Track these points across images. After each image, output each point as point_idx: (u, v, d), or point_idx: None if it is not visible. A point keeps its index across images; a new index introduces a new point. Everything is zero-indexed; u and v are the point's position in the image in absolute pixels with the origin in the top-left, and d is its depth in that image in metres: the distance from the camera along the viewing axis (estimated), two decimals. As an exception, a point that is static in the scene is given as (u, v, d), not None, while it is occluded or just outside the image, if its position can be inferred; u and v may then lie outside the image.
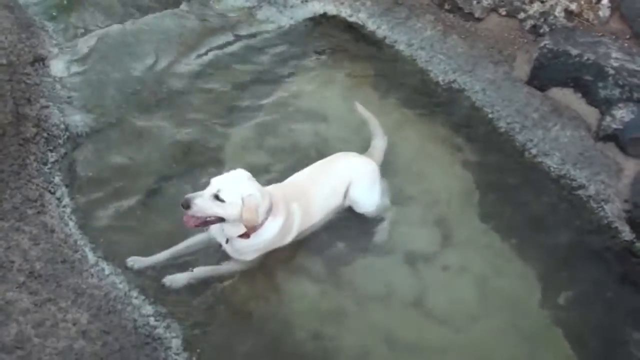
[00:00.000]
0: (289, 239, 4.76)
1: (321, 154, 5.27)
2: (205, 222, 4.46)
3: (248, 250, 4.67)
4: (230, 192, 4.37)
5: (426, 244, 5.01)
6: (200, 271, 4.68)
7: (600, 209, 5.14)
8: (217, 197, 4.34)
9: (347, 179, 4.93)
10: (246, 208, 4.35)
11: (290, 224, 4.70)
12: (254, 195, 4.40)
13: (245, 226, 4.43)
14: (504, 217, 5.16)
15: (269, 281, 4.76)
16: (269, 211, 4.54)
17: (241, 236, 4.55)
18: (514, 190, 5.31)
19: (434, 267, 4.88)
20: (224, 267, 4.74)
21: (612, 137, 5.35)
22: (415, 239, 5.03)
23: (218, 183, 4.39)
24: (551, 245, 5.02)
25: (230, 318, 4.53)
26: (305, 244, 4.92)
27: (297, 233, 4.78)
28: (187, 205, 4.33)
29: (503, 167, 5.45)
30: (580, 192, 5.25)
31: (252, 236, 4.55)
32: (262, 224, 4.52)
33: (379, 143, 5.26)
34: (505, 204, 5.23)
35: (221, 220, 4.43)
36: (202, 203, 4.34)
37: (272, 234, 4.62)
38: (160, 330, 4.31)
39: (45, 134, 5.31)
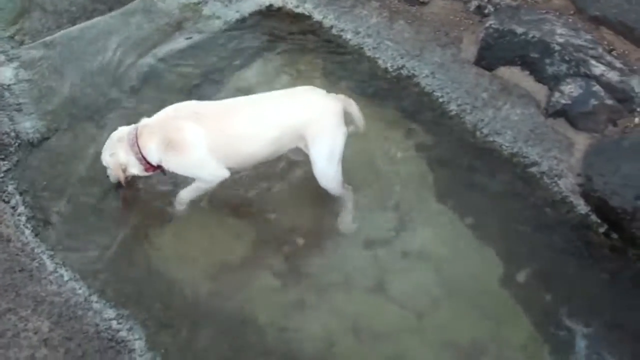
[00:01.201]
0: (199, 156, 4.65)
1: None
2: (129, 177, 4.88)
3: (180, 171, 4.84)
4: (105, 160, 4.86)
5: (383, 229, 5.03)
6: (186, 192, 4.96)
7: (554, 184, 5.18)
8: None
9: (299, 118, 4.73)
10: (112, 168, 4.84)
11: (176, 140, 4.62)
12: (113, 156, 4.76)
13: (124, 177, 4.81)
14: (460, 197, 5.19)
15: (231, 278, 4.77)
16: (135, 145, 4.69)
17: (148, 170, 4.84)
18: (468, 171, 5.35)
19: (393, 251, 4.91)
20: (195, 185, 4.92)
21: (561, 113, 5.41)
22: (372, 224, 5.04)
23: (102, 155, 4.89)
24: (508, 222, 5.07)
25: (193, 316, 4.53)
26: (264, 237, 4.95)
27: (218, 151, 4.65)
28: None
29: (456, 149, 5.47)
30: (533, 169, 5.29)
31: (156, 166, 4.79)
32: (142, 158, 4.73)
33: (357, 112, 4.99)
34: (460, 184, 5.27)
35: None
36: (110, 173, 4.96)
37: (155, 157, 4.70)
38: (123, 333, 4.31)
39: (-5, 143, 5.27)
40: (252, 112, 4.73)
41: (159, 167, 4.76)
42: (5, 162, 5.19)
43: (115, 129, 4.87)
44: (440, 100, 5.73)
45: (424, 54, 6.00)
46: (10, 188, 5.04)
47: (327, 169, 4.76)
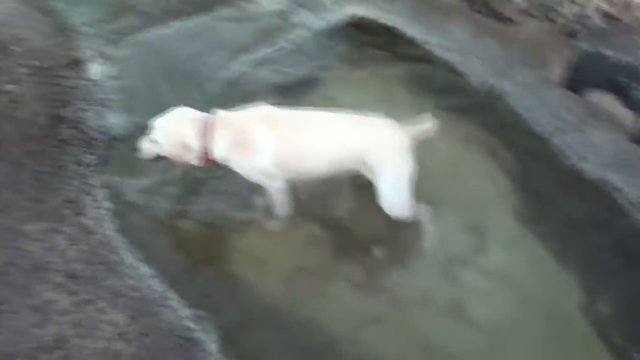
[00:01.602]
0: (263, 161, 4.66)
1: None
2: (159, 157, 4.85)
3: (241, 173, 4.78)
4: (160, 132, 4.72)
5: (463, 249, 4.94)
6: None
7: (638, 212, 5.06)
8: (151, 139, 4.75)
9: (362, 144, 4.66)
10: (169, 142, 4.69)
11: (247, 141, 4.65)
12: (177, 132, 4.65)
13: (177, 160, 4.78)
14: (542, 221, 5.08)
15: (307, 285, 4.75)
16: (206, 136, 4.65)
17: (206, 163, 4.77)
18: (551, 195, 5.24)
19: (472, 272, 4.82)
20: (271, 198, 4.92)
21: (649, 139, 5.29)
22: (452, 244, 4.96)
23: (155, 125, 4.76)
24: (590, 250, 4.94)
25: (268, 321, 4.52)
26: (343, 247, 4.91)
27: (282, 161, 4.66)
28: (137, 150, 4.87)
29: (539, 171, 5.37)
30: (617, 195, 5.16)
31: (215, 159, 4.74)
32: (208, 148, 4.68)
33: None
34: (543, 208, 5.16)
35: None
36: (145, 146, 4.82)
37: (222, 151, 4.68)
38: (197, 334, 4.29)
39: (82, 136, 5.36)
40: (321, 128, 4.73)
41: (214, 161, 4.76)
42: (91, 156, 5.28)
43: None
44: (526, 120, 5.65)
45: (511, 72, 5.95)
46: (94, 181, 5.12)
47: (390, 200, 4.72)
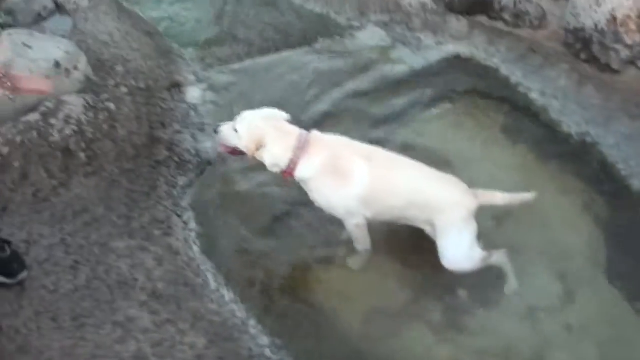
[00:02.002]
0: (353, 194, 4.59)
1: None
2: (234, 152, 4.79)
3: (319, 199, 4.73)
4: (244, 124, 4.63)
5: (548, 299, 4.79)
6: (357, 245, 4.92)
7: None
8: (234, 127, 4.65)
9: (431, 200, 4.65)
10: (248, 135, 4.57)
11: (344, 170, 4.59)
12: (260, 127, 4.57)
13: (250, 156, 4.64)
14: (632, 279, 4.87)
15: (386, 323, 4.68)
16: (301, 150, 4.58)
17: (284, 175, 4.68)
18: (645, 253, 5.07)
19: (555, 324, 4.66)
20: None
21: None
22: (537, 292, 4.82)
23: (242, 116, 4.68)
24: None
25: (344, 357, 4.50)
26: (425, 286, 4.85)
27: (369, 197, 4.60)
28: (216, 131, 4.81)
29: (635, 227, 5.18)
30: None
31: (295, 175, 4.64)
32: (294, 162, 4.59)
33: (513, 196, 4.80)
34: (633, 265, 4.94)
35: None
36: (225, 131, 4.72)
37: (308, 172, 4.61)
38: (275, 363, 4.32)
39: (176, 158, 5.49)
40: (411, 173, 4.72)
41: (292, 176, 4.69)
42: (184, 178, 5.39)
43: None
44: (624, 173, 5.49)
45: (611, 122, 5.80)
46: (185, 203, 5.22)
47: (454, 260, 4.65)
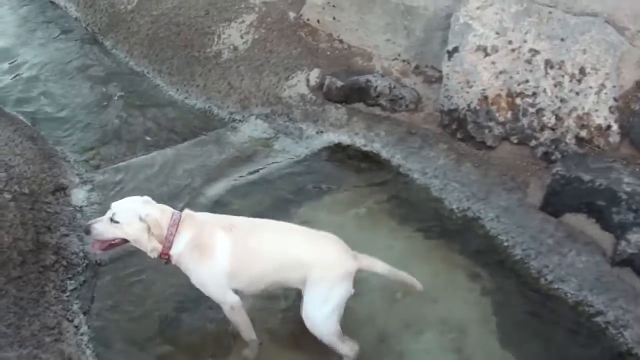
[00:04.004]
0: (218, 267, 4.62)
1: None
2: (111, 245, 4.72)
3: (192, 278, 4.73)
4: (125, 213, 4.61)
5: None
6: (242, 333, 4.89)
7: (619, 335, 5.01)
8: (112, 219, 4.59)
9: (306, 257, 4.64)
10: (151, 225, 4.56)
11: (206, 244, 4.63)
12: (150, 213, 4.58)
13: (137, 244, 4.66)
14: (523, 345, 5.02)
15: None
16: (173, 227, 4.63)
17: (162, 258, 4.68)
18: (532, 317, 5.20)
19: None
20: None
21: (628, 262, 5.30)
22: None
23: (115, 207, 4.67)
24: (573, 373, 4.88)
25: None
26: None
27: (236, 267, 4.62)
28: (87, 231, 4.72)
29: (520, 294, 5.36)
30: (598, 318, 5.14)
31: (170, 254, 4.65)
32: (169, 240, 4.62)
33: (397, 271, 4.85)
34: (524, 331, 5.11)
35: (125, 241, 4.66)
36: (101, 227, 4.64)
37: (181, 247, 4.63)
38: None
39: (64, 262, 5.41)
40: (274, 235, 4.76)
41: (167, 257, 4.69)
42: (72, 282, 5.30)
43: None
44: (505, 244, 5.70)
45: (490, 197, 6.04)
46: (75, 307, 5.12)
47: (314, 315, 4.60)
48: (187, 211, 4.79)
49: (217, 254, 4.60)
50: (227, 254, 4.59)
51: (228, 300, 4.68)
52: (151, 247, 4.61)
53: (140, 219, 4.56)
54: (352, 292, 4.62)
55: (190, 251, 4.62)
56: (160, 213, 4.64)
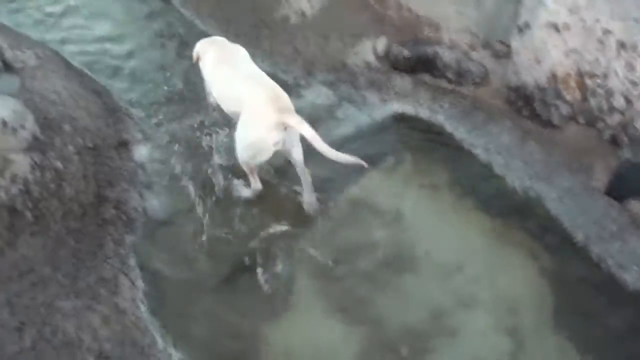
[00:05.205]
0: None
1: (391, 256, 5.36)
2: None
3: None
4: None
5: (496, 355, 4.82)
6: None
7: (679, 324, 4.91)
8: None
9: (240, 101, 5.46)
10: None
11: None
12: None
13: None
14: (579, 329, 4.93)
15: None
16: None
17: None
18: (590, 303, 5.10)
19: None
20: None
21: (691, 254, 5.20)
22: (485, 348, 4.85)
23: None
24: (630, 362, 4.79)
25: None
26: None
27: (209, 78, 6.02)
28: None
29: (578, 279, 5.26)
30: (658, 307, 5.04)
31: None
32: None
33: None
34: (581, 315, 5.03)
35: None
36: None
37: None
38: None
39: (124, 217, 5.44)
40: (232, 71, 5.73)
41: None
42: (131, 236, 5.34)
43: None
44: (566, 226, 5.60)
45: (553, 177, 5.93)
46: (132, 261, 5.17)
47: (236, 145, 5.49)
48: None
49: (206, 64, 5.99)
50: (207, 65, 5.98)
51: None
52: None
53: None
54: (277, 142, 5.28)
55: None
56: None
